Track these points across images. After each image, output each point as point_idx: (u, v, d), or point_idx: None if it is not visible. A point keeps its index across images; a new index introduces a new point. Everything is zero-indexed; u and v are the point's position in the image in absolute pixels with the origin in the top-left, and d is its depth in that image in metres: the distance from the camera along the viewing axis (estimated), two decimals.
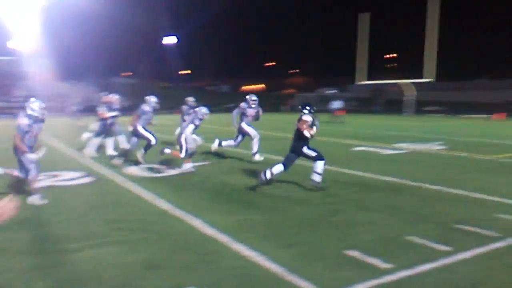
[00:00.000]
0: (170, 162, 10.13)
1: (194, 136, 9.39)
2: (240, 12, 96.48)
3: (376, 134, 20.67)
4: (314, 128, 7.50)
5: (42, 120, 6.76)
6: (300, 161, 7.85)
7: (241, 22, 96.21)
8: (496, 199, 6.96)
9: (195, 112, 9.59)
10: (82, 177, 8.78)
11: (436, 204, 6.71)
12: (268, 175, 7.48)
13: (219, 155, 11.80)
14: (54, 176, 8.75)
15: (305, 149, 7.53)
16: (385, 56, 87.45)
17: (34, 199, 6.57)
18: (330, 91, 69.92)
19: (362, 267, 4.21)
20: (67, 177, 8.68)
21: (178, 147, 9.30)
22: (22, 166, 6.66)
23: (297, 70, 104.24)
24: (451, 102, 53.96)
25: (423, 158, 12.12)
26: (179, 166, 9.46)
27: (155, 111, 10.57)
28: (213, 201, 6.92)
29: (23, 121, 6.53)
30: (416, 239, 4.98)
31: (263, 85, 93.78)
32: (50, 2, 45.68)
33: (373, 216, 5.99)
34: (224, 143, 11.33)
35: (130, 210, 6.40)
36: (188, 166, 9.31)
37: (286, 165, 7.60)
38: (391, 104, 53.94)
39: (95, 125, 12.43)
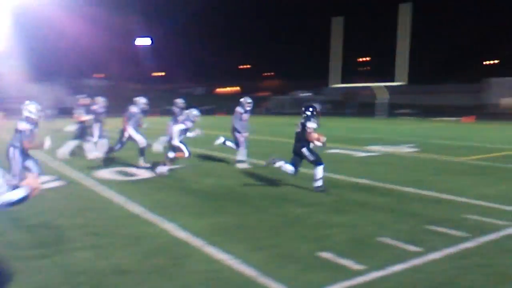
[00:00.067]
0: (134, 166, 10.00)
1: (197, 131, 9.48)
2: (214, 14, 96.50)
3: (349, 136, 20.89)
4: (324, 138, 7.70)
5: (37, 122, 6.83)
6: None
7: (216, 24, 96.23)
8: (465, 200, 7.10)
9: (186, 114, 9.55)
10: (52, 180, 8.58)
11: (407, 205, 6.81)
12: (277, 164, 7.63)
13: (194, 158, 11.70)
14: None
15: (304, 150, 7.63)
16: (358, 60, 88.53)
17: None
18: (304, 94, 70.54)
19: (334, 268, 4.24)
20: None
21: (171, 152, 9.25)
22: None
23: (272, 73, 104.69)
24: (423, 105, 55.21)
25: (395, 160, 12.29)
26: (153, 169, 9.34)
27: (144, 112, 10.50)
28: (186, 204, 6.85)
29: (24, 126, 6.60)
30: (388, 240, 5.04)
31: (237, 88, 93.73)
32: (21, 3, 44.67)
33: (346, 218, 6.03)
34: (228, 143, 10.94)
35: (100, 214, 6.27)
36: (163, 169, 9.22)
37: (296, 170, 7.70)
38: (364, 107, 54.68)
39: (70, 128, 12.27)
